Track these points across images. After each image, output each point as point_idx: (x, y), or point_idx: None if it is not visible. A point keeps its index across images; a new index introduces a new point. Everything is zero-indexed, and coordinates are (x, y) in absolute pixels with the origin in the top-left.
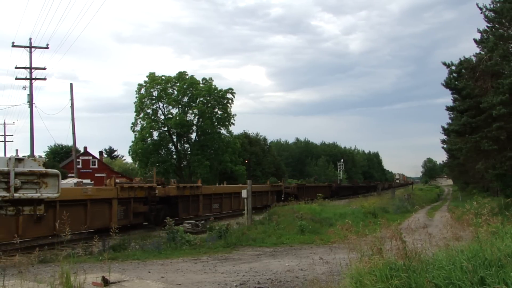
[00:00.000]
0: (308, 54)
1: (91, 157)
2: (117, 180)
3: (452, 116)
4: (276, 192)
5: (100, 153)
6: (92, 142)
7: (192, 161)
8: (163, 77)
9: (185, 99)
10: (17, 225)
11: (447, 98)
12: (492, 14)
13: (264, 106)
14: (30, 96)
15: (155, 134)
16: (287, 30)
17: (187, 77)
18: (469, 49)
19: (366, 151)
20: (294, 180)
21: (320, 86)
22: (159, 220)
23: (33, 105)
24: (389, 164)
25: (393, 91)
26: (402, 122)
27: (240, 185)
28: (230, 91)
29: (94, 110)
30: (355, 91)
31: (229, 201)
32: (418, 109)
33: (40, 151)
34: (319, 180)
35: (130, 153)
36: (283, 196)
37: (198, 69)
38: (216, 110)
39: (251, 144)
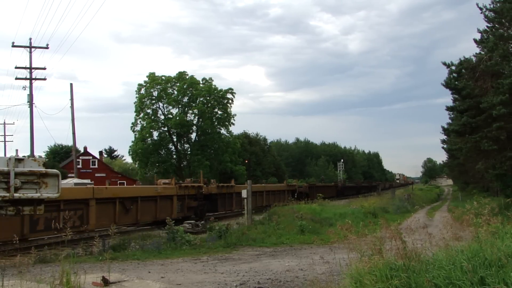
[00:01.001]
0: (307, 54)
1: (91, 157)
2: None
3: (452, 116)
4: (291, 191)
5: (100, 153)
6: (92, 142)
7: (192, 161)
8: (163, 77)
9: (185, 99)
10: (114, 215)
11: (447, 98)
12: (492, 14)
13: (264, 106)
14: (30, 96)
15: (155, 134)
16: (286, 30)
17: (187, 77)
18: (469, 49)
19: (366, 151)
20: (294, 180)
21: (320, 86)
22: (203, 213)
23: (33, 105)
24: (389, 164)
25: (393, 91)
26: (402, 122)
27: (264, 184)
28: (230, 91)
29: (93, 110)
30: (354, 91)
31: (254, 199)
32: (418, 109)
33: (40, 151)
34: (326, 180)
35: (130, 153)
36: (296, 194)
37: (197, 69)
38: (216, 110)
39: (251, 144)
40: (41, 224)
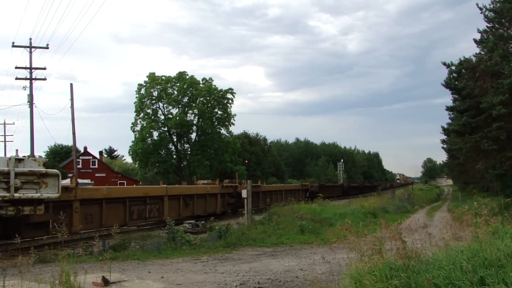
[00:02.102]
0: (306, 54)
1: (91, 157)
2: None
3: (452, 116)
4: (304, 190)
5: (100, 153)
6: (92, 142)
7: (192, 161)
8: (163, 77)
9: (185, 99)
10: (179, 208)
11: (446, 98)
12: (492, 14)
13: (263, 106)
14: (30, 96)
15: (155, 134)
16: (285, 30)
17: (187, 77)
18: (467, 49)
19: (366, 151)
20: (294, 181)
21: (319, 86)
22: (237, 208)
23: (33, 105)
24: (389, 164)
25: (392, 91)
26: (402, 122)
27: (289, 184)
28: (230, 91)
29: (92, 110)
30: (353, 91)
31: (275, 196)
32: (417, 109)
33: (40, 151)
34: (332, 181)
35: (130, 153)
36: (308, 193)
37: (196, 69)
38: (216, 110)
39: (251, 144)
40: (135, 214)
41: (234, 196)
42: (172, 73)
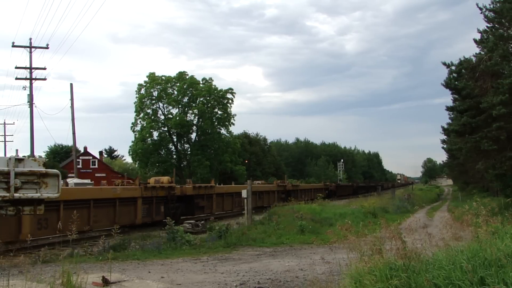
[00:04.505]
0: (304, 55)
1: (91, 157)
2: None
3: (452, 116)
4: (325, 189)
5: (100, 153)
6: (91, 142)
7: (192, 161)
8: (163, 77)
9: (185, 99)
10: (211, 205)
11: (445, 98)
12: (492, 14)
13: (261, 106)
14: (30, 96)
15: (155, 134)
16: (282, 30)
17: (187, 77)
18: (465, 50)
19: (366, 151)
20: (294, 180)
21: (317, 87)
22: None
23: (33, 105)
24: (389, 164)
25: (390, 91)
26: (401, 122)
27: (316, 184)
28: (230, 91)
29: (91, 110)
30: (352, 91)
31: (296, 194)
32: (416, 109)
33: (40, 151)
34: (332, 180)
35: (130, 153)
36: (328, 191)
37: (195, 70)
38: (216, 110)
39: (251, 144)
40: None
41: (282, 192)
42: (171, 73)
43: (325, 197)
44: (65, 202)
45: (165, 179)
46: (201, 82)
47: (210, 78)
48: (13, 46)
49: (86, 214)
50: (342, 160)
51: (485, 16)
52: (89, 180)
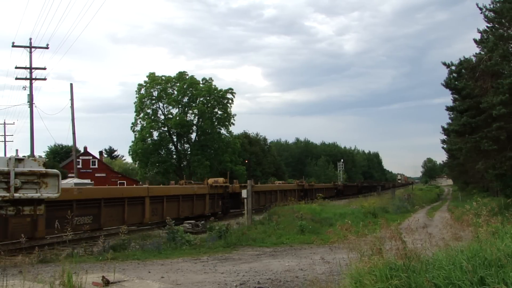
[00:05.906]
0: (303, 55)
1: (91, 157)
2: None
3: (452, 116)
4: (334, 188)
5: (100, 153)
6: (91, 142)
7: (192, 161)
8: (163, 77)
9: (185, 99)
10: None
11: (445, 98)
12: (492, 14)
13: (260, 106)
14: (30, 96)
15: (155, 134)
16: (281, 31)
17: (187, 77)
18: (465, 50)
19: (366, 151)
20: (294, 180)
21: (316, 87)
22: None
23: (33, 105)
24: (389, 164)
25: (390, 91)
26: (401, 122)
27: (327, 184)
28: (230, 91)
29: (91, 110)
30: (351, 92)
31: (311, 193)
32: (416, 109)
33: (40, 151)
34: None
35: (130, 153)
36: (336, 190)
37: (194, 70)
38: (216, 110)
39: (251, 144)
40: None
41: (301, 191)
42: (170, 73)
43: (334, 195)
44: (167, 197)
45: (220, 180)
46: (201, 82)
47: (210, 78)
48: (13, 46)
49: (175, 207)
50: (342, 160)
51: (485, 16)
52: (89, 180)
